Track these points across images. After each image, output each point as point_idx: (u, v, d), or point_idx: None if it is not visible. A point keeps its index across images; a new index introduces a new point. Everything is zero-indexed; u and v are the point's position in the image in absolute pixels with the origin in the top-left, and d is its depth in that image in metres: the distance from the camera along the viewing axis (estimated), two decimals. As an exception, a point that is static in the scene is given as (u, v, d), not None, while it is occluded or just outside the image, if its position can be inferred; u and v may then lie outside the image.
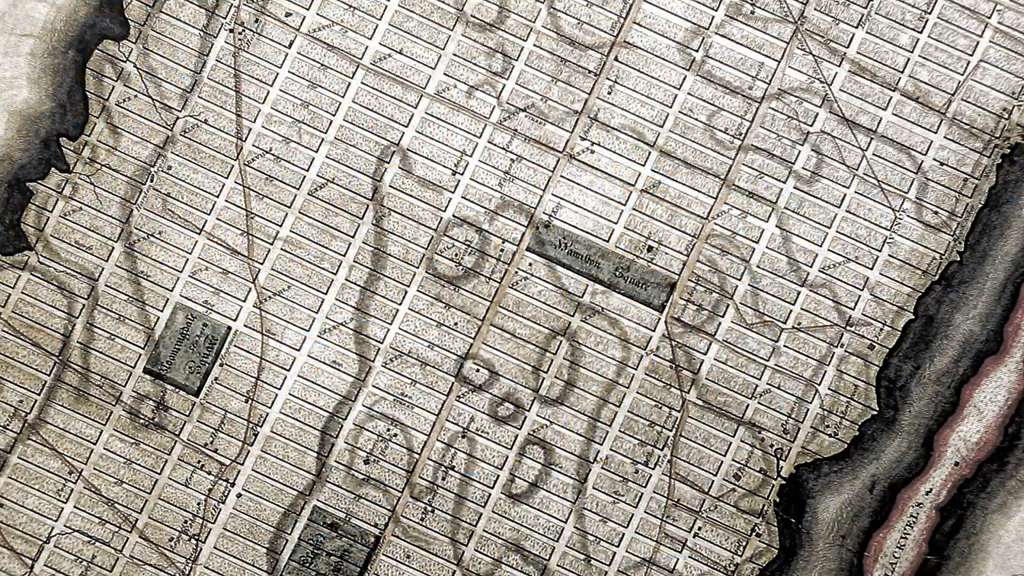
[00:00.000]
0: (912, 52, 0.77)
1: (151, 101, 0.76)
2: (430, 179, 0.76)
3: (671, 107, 0.77)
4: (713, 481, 0.80)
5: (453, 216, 0.75)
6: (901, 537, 0.81)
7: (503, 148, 0.77)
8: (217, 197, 0.77)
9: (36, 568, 0.77)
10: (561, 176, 0.76)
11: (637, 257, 0.77)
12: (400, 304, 0.77)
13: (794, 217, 0.76)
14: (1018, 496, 0.80)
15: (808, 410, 0.78)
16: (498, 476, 0.79)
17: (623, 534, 0.79)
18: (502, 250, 0.77)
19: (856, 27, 0.75)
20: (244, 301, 0.77)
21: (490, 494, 0.79)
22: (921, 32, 0.76)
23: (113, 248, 0.76)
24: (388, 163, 0.76)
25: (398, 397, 0.77)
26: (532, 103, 0.76)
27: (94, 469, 0.76)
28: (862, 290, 0.78)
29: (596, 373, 0.79)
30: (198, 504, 0.77)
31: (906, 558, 0.80)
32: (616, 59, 0.74)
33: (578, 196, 0.77)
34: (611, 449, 0.78)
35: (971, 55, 0.77)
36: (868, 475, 0.79)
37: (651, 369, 0.78)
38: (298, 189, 0.77)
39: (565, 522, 0.79)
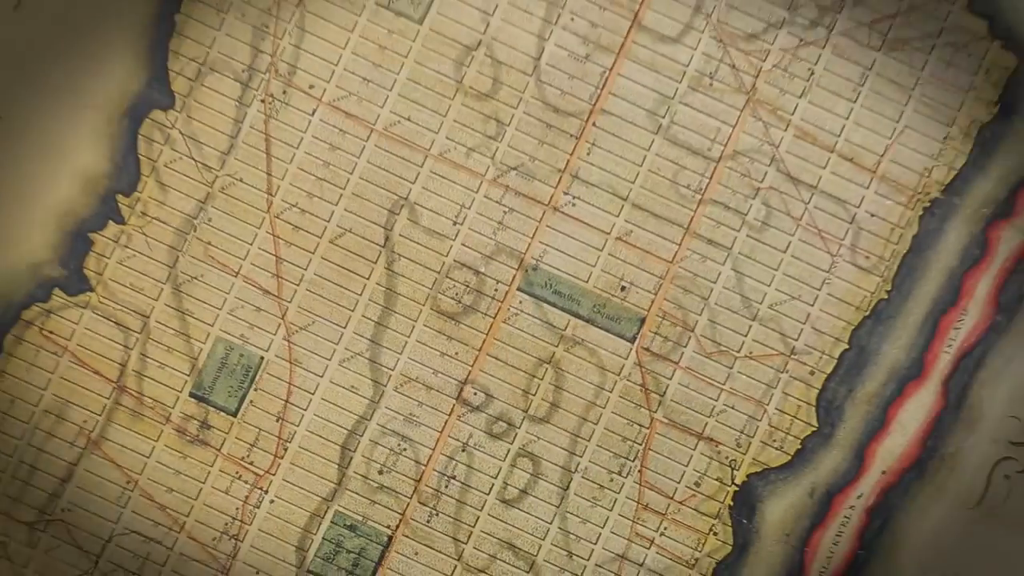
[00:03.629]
0: (847, 119, 0.82)
1: (194, 162, 0.80)
2: (434, 228, 0.79)
3: (641, 166, 0.81)
4: (677, 488, 0.84)
5: (454, 260, 0.79)
6: (836, 535, 0.87)
7: (496, 201, 0.81)
8: (251, 245, 0.80)
9: (100, 563, 0.82)
10: (546, 226, 0.80)
11: (612, 296, 0.81)
12: (408, 336, 0.81)
13: (746, 261, 0.81)
14: (934, 499, 0.88)
15: (758, 427, 0.82)
16: (493, 484, 0.84)
17: (600, 533, 0.84)
18: (496, 290, 0.81)
19: (800, 97, 0.80)
20: (274, 334, 0.81)
21: (486, 499, 0.83)
22: (855, 102, 0.81)
23: (162, 289, 0.80)
24: (398, 215, 0.79)
25: (407, 417, 0.82)
26: (522, 162, 0.80)
27: (148, 479, 0.80)
28: (804, 324, 0.83)
29: (577, 395, 0.83)
30: (236, 509, 0.81)
31: (840, 552, 0.86)
32: (594, 124, 0.78)
33: (561, 243, 0.81)
34: (589, 461, 0.83)
35: (897, 121, 0.82)
36: (808, 482, 0.85)
37: (624, 392, 0.82)
38: (320, 237, 0.80)
39: (550, 523, 0.83)
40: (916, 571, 0.83)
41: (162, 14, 0.81)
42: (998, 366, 0.82)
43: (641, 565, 0.84)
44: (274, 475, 0.84)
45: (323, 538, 0.84)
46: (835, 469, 0.85)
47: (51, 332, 0.82)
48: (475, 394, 0.85)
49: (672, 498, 0.85)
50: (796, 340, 0.84)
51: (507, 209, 0.85)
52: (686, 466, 0.85)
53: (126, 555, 0.83)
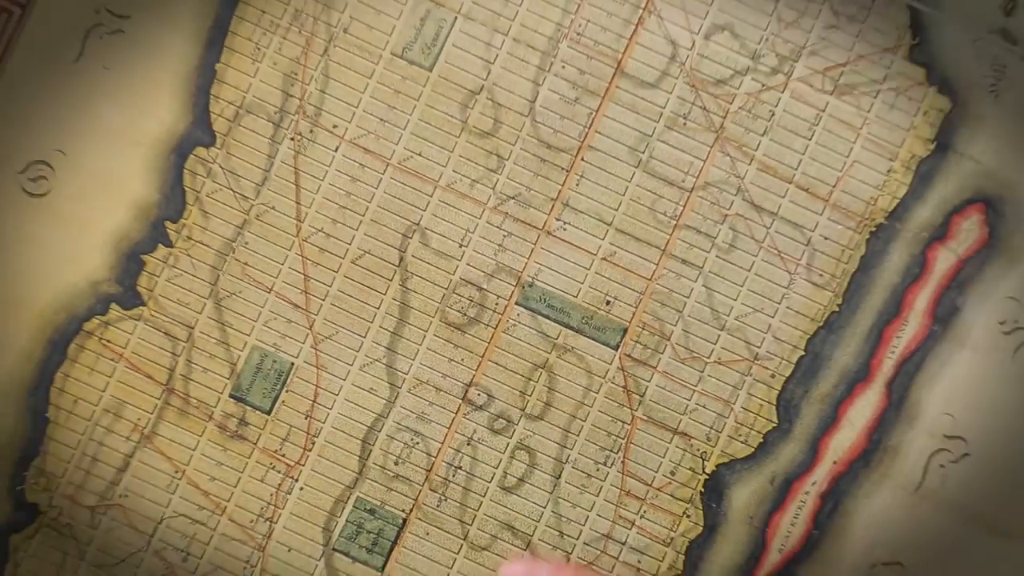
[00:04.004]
0: (803, 154, 0.83)
1: (232, 193, 0.82)
2: (442, 250, 0.81)
3: (623, 195, 0.83)
4: (655, 476, 0.86)
5: (460, 278, 0.81)
6: (793, 517, 0.88)
7: (497, 226, 0.82)
8: (282, 264, 0.83)
9: (152, 542, 0.84)
10: (541, 248, 0.82)
11: (598, 309, 0.83)
12: (420, 345, 0.83)
13: (715, 278, 0.83)
14: (879, 485, 0.89)
15: (725, 423, 0.84)
16: (494, 473, 0.86)
17: (588, 516, 0.85)
18: (496, 304, 0.82)
19: (762, 135, 0.82)
20: (303, 343, 0.83)
21: (488, 487, 0.85)
22: (810, 139, 0.83)
23: (205, 303, 0.81)
24: (411, 238, 0.81)
25: (419, 415, 0.83)
26: (519, 192, 0.82)
27: (194, 469, 0.82)
28: (766, 333, 0.85)
29: (567, 396, 0.85)
30: (270, 495, 0.83)
31: (796, 532, 0.88)
32: (582, 159, 0.80)
33: (554, 263, 0.83)
34: (579, 453, 0.85)
35: (847, 157, 0.83)
36: (770, 471, 0.87)
37: (608, 393, 0.84)
38: (343, 258, 0.82)
39: (544, 507, 0.85)
40: (863, 548, 0.87)
41: (204, 64, 0.85)
42: (934, 369, 0.86)
43: (623, 543, 0.88)
44: (303, 466, 0.88)
45: (346, 520, 0.88)
46: (793, 460, 0.89)
47: (109, 341, 0.86)
48: (478, 395, 0.89)
49: (651, 485, 0.89)
50: (759, 347, 0.88)
51: (506, 233, 0.89)
52: (663, 457, 0.89)
53: (175, 535, 0.88)
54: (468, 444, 0.88)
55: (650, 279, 0.88)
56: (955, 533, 0.86)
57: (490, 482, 0.89)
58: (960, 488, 0.85)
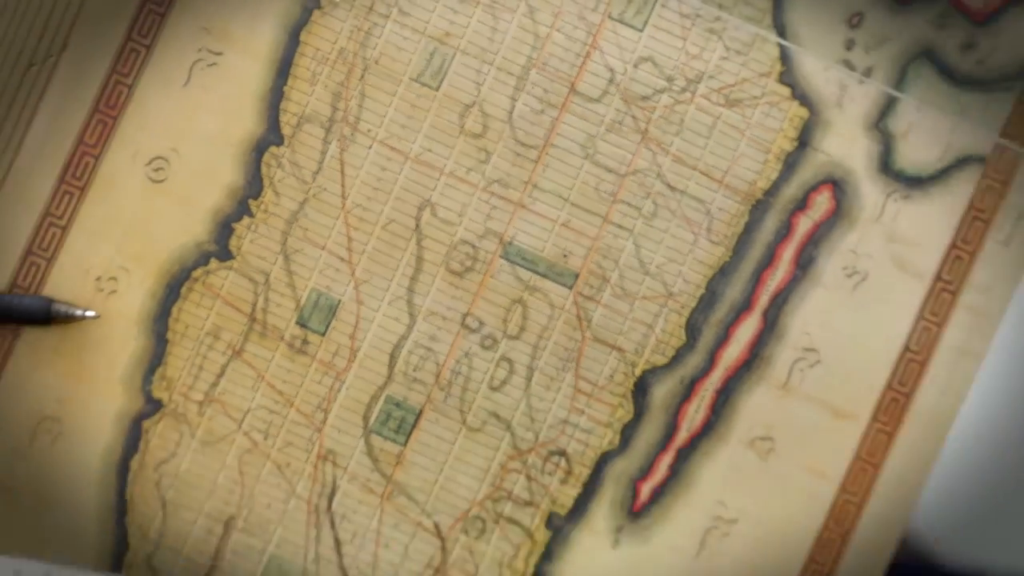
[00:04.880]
0: (704, 149, 0.96)
1: (295, 179, 0.95)
2: (447, 219, 0.94)
3: (576, 179, 0.96)
4: (599, 379, 1.00)
5: (460, 239, 0.94)
6: (696, 407, 1.02)
7: (486, 202, 0.95)
8: (332, 230, 0.96)
9: (242, 426, 0.97)
10: (517, 217, 0.95)
11: (558, 260, 0.96)
12: (431, 286, 0.96)
13: (642, 238, 0.95)
14: (757, 384, 1.02)
15: (649, 341, 0.98)
16: (484, 378, 0.99)
17: (551, 407, 0.99)
18: (486, 257, 0.95)
19: (675, 136, 0.95)
20: (347, 286, 0.96)
21: (480, 387, 0.99)
22: (709, 139, 0.96)
23: (277, 258, 0.95)
24: (424, 211, 0.94)
25: (431, 336, 0.96)
26: (501, 177, 0.95)
27: (271, 375, 0.96)
28: (678, 277, 0.98)
29: (536, 322, 0.99)
30: (325, 393, 0.96)
31: (699, 418, 1.02)
32: (547, 153, 0.93)
33: (526, 228, 0.97)
34: (544, 363, 0.98)
35: (736, 151, 0.96)
36: (680, 375, 0.99)
37: (566, 320, 0.97)
38: (375, 225, 0.96)
39: (520, 401, 0.99)
40: (745, 428, 0.98)
41: (275, 87, 0.98)
42: (796, 302, 0.98)
43: (576, 426, 0.99)
44: (348, 372, 1.00)
45: (379, 410, 0.99)
46: (696, 366, 1.00)
47: (210, 284, 0.98)
48: (473, 322, 1.00)
49: (596, 385, 1.00)
50: (673, 287, 1.00)
51: (492, 207, 1.00)
52: (604, 366, 1.00)
53: (258, 420, 0.99)
54: (465, 357, 0.98)
55: (595, 239, 0.98)
56: (809, 416, 0.96)
57: (481, 384, 0.98)
58: (814, 385, 0.96)
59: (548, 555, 0.95)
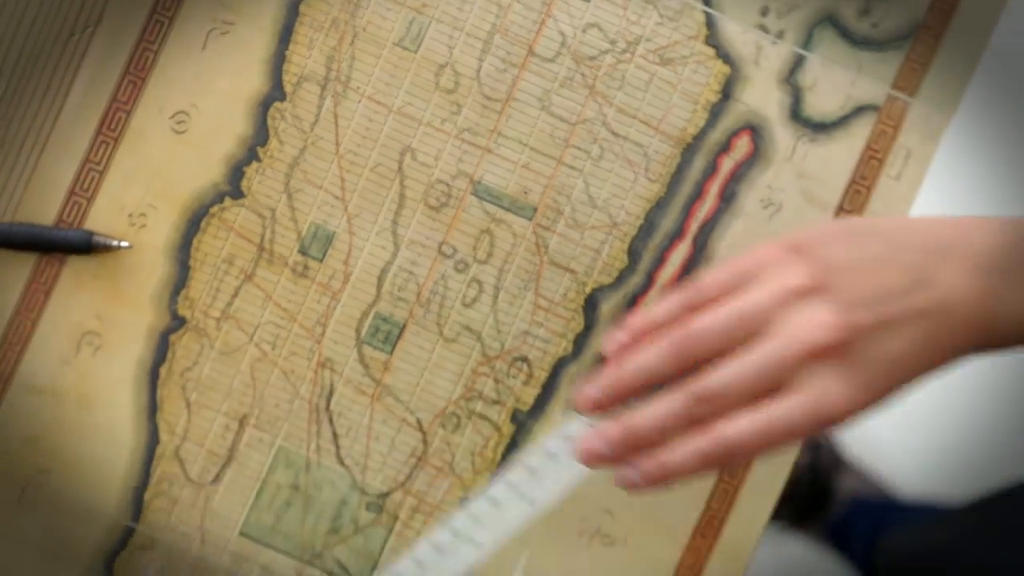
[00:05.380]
0: (643, 101, 1.04)
1: (296, 129, 1.03)
2: (424, 163, 1.02)
3: (534, 127, 1.03)
4: (555, 296, 1.08)
5: (436, 179, 1.02)
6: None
7: (458, 148, 1.03)
8: (328, 172, 1.04)
9: (254, 338, 1.05)
10: (484, 160, 1.03)
11: (519, 195, 1.04)
12: (412, 219, 1.04)
13: (591, 177, 1.03)
14: None
15: (598, 263, 1.04)
16: (458, 295, 1.07)
17: (515, 321, 1.07)
18: (458, 194, 1.03)
19: (618, 91, 1.02)
20: (341, 220, 1.04)
21: (455, 304, 1.06)
22: (647, 92, 1.03)
23: (281, 196, 1.03)
24: (405, 156, 1.01)
25: (412, 261, 1.04)
26: (470, 126, 1.03)
27: (277, 295, 1.03)
28: (621, 209, 1.05)
29: (501, 248, 1.06)
30: (323, 310, 1.04)
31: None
32: (509, 106, 1.01)
33: (493, 169, 1.04)
34: (509, 283, 1.05)
35: (669, 102, 1.04)
36: (623, 292, 1.05)
37: (526, 247, 1.04)
38: (365, 167, 1.04)
39: (488, 316, 1.07)
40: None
41: (278, 52, 1.07)
42: (721, 231, 1.05)
43: (537, 336, 1.07)
44: (343, 292, 1.08)
45: (368, 324, 1.08)
46: (637, 285, 1.07)
47: (224, 219, 1.06)
48: (448, 249, 1.08)
49: (552, 301, 1.07)
50: (617, 218, 1.08)
51: (464, 151, 1.07)
52: (560, 285, 1.08)
53: (267, 333, 1.09)
54: (442, 279, 1.06)
55: (551, 178, 1.06)
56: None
57: (455, 301, 1.06)
58: None
59: (513, 445, 1.02)
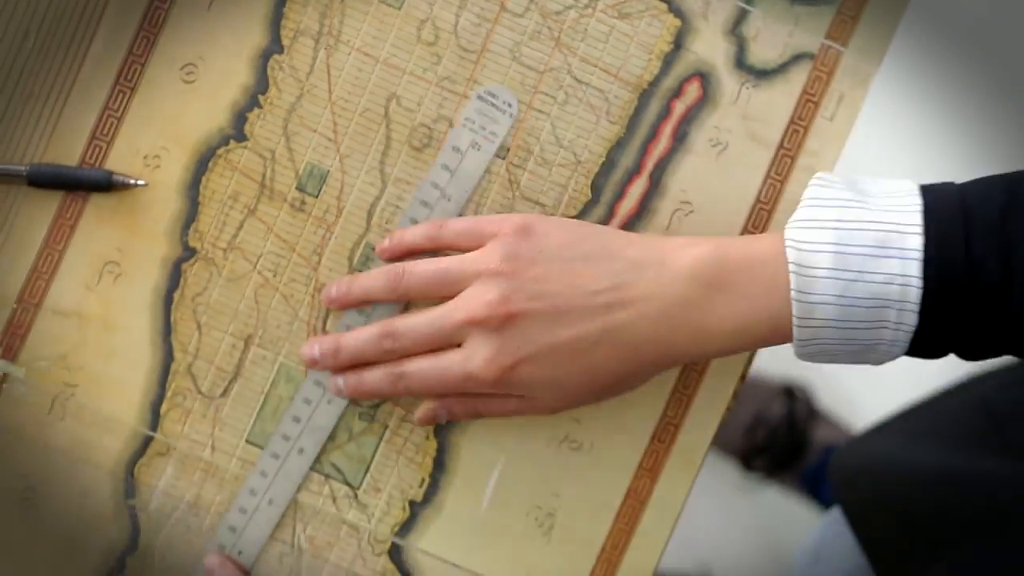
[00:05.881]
0: (603, 52, 1.11)
1: (293, 79, 1.10)
2: (408, 108, 1.09)
3: (506, 76, 1.11)
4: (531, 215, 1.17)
5: (419, 123, 1.08)
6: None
7: (438, 94, 1.10)
8: (321, 117, 1.12)
9: (257, 266, 1.11)
10: (461, 105, 1.10)
11: None
12: (398, 159, 1.11)
13: (558, 120, 1.09)
14: (645, 228, 1.05)
15: (564, 197, 1.10)
16: None
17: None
18: (440, 135, 1.10)
19: (580, 42, 1.09)
20: (334, 160, 1.11)
21: None
22: (607, 43, 1.09)
23: (280, 138, 1.10)
24: (391, 102, 1.08)
25: (398, 196, 1.12)
26: (450, 75, 1.09)
27: (278, 228, 1.10)
28: (585, 149, 1.12)
29: (479, 185, 1.15)
30: (319, 241, 1.11)
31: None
32: (484, 56, 1.07)
33: (472, 115, 1.13)
34: (484, 215, 1.15)
35: (627, 52, 1.10)
36: (588, 218, 1.13)
37: (500, 183, 1.12)
38: (355, 112, 1.11)
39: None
40: None
41: (276, 12, 1.12)
42: (674, 167, 1.12)
43: None
44: (336, 225, 1.14)
45: (359, 254, 1.13)
46: (599, 217, 1.13)
47: (230, 160, 1.12)
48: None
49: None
50: (581, 157, 1.13)
51: (444, 97, 1.13)
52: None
53: (269, 263, 1.14)
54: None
55: (521, 121, 1.12)
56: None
57: None
58: (689, 228, 1.12)
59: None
